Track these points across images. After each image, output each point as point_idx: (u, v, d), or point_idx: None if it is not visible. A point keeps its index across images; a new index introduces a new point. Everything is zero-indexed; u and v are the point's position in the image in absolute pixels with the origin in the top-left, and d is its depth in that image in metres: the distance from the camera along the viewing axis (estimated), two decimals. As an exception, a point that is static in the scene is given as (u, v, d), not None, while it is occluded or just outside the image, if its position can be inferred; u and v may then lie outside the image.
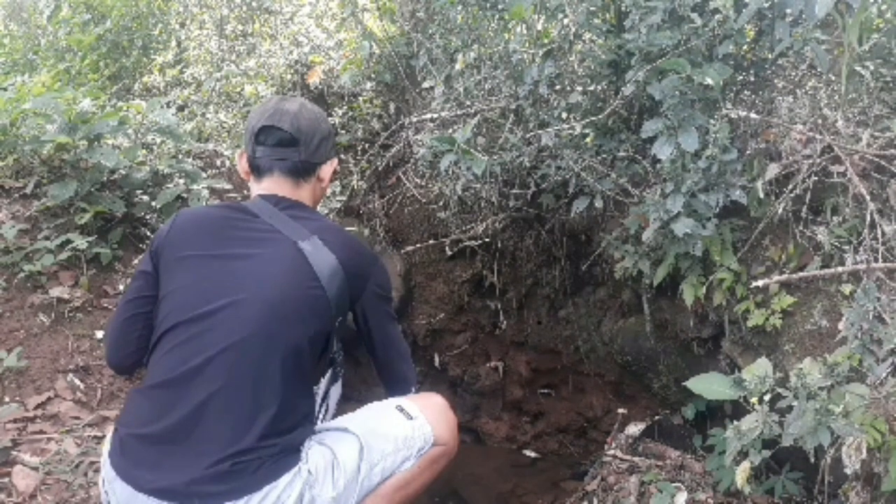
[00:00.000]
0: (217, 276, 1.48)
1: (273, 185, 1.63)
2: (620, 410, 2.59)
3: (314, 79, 3.53)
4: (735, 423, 1.64)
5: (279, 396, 1.39)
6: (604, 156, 2.41)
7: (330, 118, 3.40)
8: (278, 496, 1.35)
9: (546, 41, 2.49)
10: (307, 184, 1.66)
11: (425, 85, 3.00)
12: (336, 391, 1.71)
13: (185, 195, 2.91)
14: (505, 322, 3.26)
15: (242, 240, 1.53)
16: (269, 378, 1.39)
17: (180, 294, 1.48)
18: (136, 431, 1.38)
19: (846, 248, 1.90)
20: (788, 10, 2.00)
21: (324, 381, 1.66)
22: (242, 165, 1.69)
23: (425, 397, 1.76)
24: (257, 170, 1.65)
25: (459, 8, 2.57)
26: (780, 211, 2.03)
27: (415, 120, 3.06)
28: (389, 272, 3.37)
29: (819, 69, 2.11)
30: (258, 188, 1.66)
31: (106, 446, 1.45)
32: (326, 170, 1.69)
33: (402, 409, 1.63)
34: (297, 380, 1.45)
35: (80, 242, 2.53)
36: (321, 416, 1.66)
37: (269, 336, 1.40)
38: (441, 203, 3.00)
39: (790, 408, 1.51)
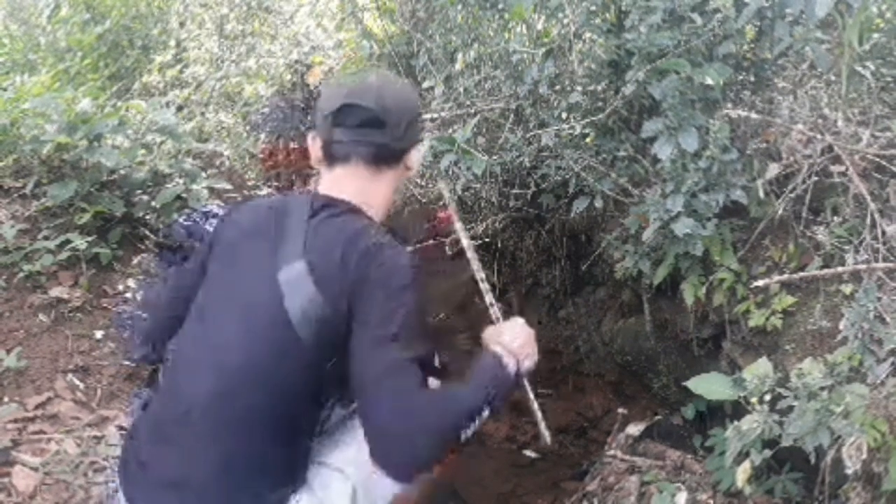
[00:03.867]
0: (210, 309, 1.33)
1: (346, 175, 1.38)
2: (620, 410, 2.59)
3: (314, 79, 3.54)
4: (735, 423, 1.64)
5: (253, 458, 1.24)
6: (604, 156, 2.41)
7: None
8: None
9: (546, 41, 2.49)
10: (391, 172, 1.41)
11: (425, 85, 3.00)
12: (339, 411, 1.44)
13: (184, 195, 2.91)
14: (505, 322, 3.26)
15: (246, 259, 1.33)
16: (243, 441, 1.23)
17: (188, 318, 1.36)
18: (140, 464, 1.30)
19: (846, 248, 1.90)
20: (788, 10, 2.00)
21: (325, 411, 1.40)
22: (315, 152, 1.43)
23: None
24: (331, 157, 1.39)
25: (459, 7, 2.57)
26: (780, 211, 2.03)
27: (415, 120, 3.05)
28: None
29: (819, 69, 2.11)
30: (326, 180, 1.41)
31: None
32: (415, 156, 1.44)
33: None
34: (271, 438, 1.25)
35: (80, 242, 2.53)
36: (317, 433, 1.42)
37: (225, 396, 1.23)
38: (441, 203, 3.00)
39: (790, 408, 1.50)
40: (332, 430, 1.43)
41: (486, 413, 1.27)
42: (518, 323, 1.52)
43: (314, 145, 1.43)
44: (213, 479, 1.22)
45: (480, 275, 1.69)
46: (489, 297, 1.66)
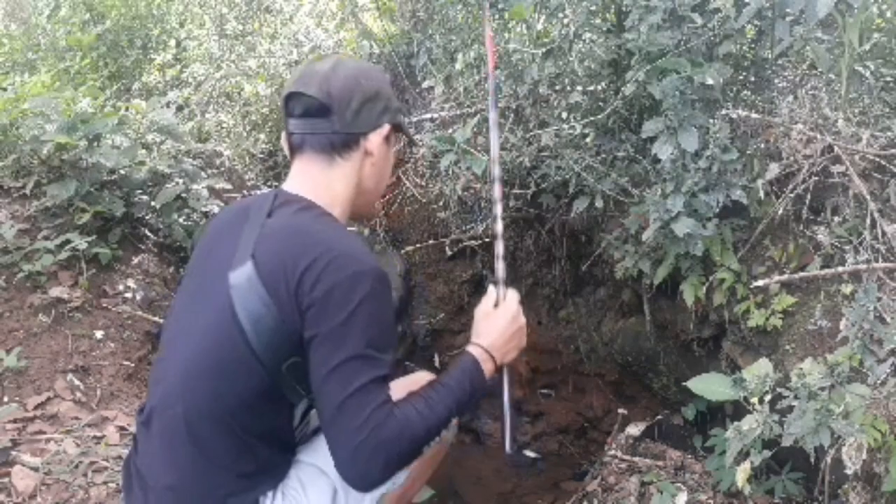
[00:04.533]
0: (177, 315, 1.33)
1: (303, 165, 1.33)
2: (620, 411, 2.59)
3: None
4: (735, 423, 1.64)
5: (212, 460, 1.21)
6: (604, 156, 2.41)
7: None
8: None
9: (546, 41, 2.49)
10: (346, 161, 1.32)
11: (425, 85, 3.00)
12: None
13: (184, 195, 2.91)
14: (505, 322, 3.26)
15: (211, 261, 1.30)
16: (202, 443, 1.21)
17: (166, 324, 1.38)
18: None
19: (846, 248, 1.90)
20: (788, 10, 2.00)
21: (301, 405, 1.32)
22: (283, 144, 1.39)
23: (409, 382, 1.47)
24: (290, 148, 1.35)
25: (459, 7, 2.57)
26: (780, 211, 2.03)
27: (415, 120, 3.06)
28: (389, 272, 3.39)
29: (819, 69, 2.11)
30: (291, 173, 1.37)
31: None
32: (374, 140, 1.32)
33: None
34: (232, 442, 1.22)
35: (80, 242, 2.53)
36: (300, 433, 1.39)
37: (187, 400, 1.21)
38: (441, 203, 3.00)
39: (790, 408, 1.50)
40: (319, 430, 1.37)
41: (454, 419, 1.25)
42: (509, 311, 1.41)
43: (282, 138, 1.39)
44: (166, 483, 1.21)
45: (498, 226, 1.51)
46: (500, 268, 1.50)
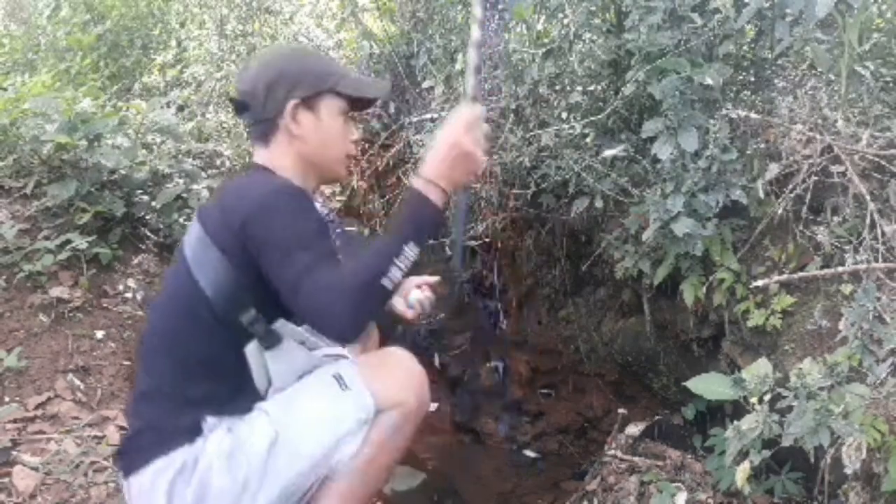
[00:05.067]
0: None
1: (255, 150, 1.48)
2: (620, 410, 2.59)
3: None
4: (735, 423, 1.64)
5: (158, 385, 1.38)
6: (604, 156, 2.41)
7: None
8: (158, 474, 1.31)
9: (546, 41, 2.49)
10: (278, 142, 1.44)
11: (425, 85, 3.00)
12: (277, 361, 1.41)
13: (184, 195, 2.91)
14: (505, 322, 3.26)
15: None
16: (157, 370, 1.39)
17: None
18: None
19: (846, 248, 1.90)
20: (788, 10, 2.01)
21: (251, 356, 1.39)
22: None
23: (380, 354, 1.56)
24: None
25: (459, 7, 2.57)
26: (780, 211, 2.03)
27: (415, 120, 3.06)
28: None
29: (819, 69, 2.11)
30: None
31: None
32: (288, 119, 1.41)
33: (339, 379, 1.41)
34: (178, 368, 1.37)
35: (80, 242, 2.53)
36: (265, 390, 1.43)
37: (156, 333, 1.41)
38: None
39: (790, 408, 1.50)
40: (284, 381, 1.44)
41: (409, 251, 1.27)
42: (450, 135, 1.33)
43: None
44: (143, 396, 1.39)
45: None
46: (470, 83, 1.41)
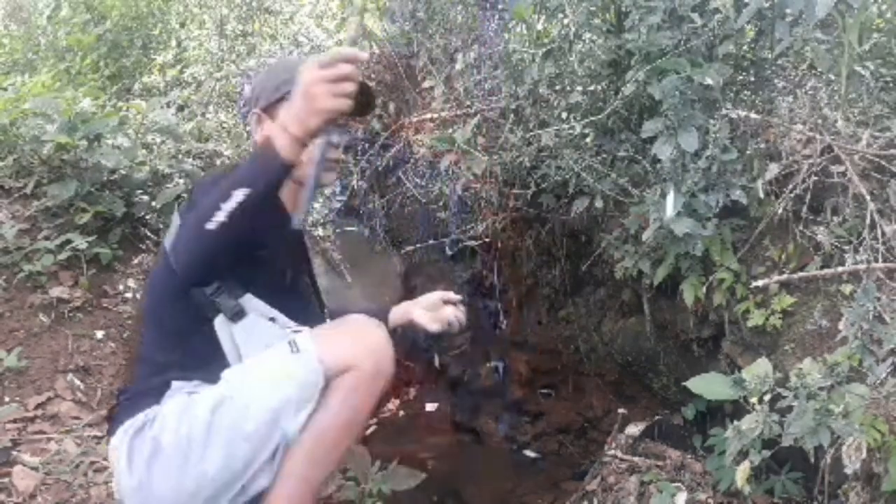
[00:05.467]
0: None
1: None
2: (620, 410, 2.59)
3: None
4: (735, 423, 1.64)
5: (141, 354, 1.48)
6: (604, 156, 2.41)
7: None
8: (125, 434, 1.38)
9: (546, 41, 2.49)
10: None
11: (425, 85, 3.00)
12: (244, 333, 1.43)
13: (184, 195, 2.91)
14: (505, 322, 3.26)
15: None
16: (143, 340, 1.49)
17: None
18: None
19: (846, 248, 1.90)
20: (788, 10, 2.00)
21: (219, 329, 1.42)
22: None
23: (339, 321, 1.54)
24: None
25: (459, 8, 2.57)
26: (780, 211, 2.03)
27: (415, 120, 3.06)
28: (389, 272, 3.39)
29: (819, 69, 2.11)
30: None
31: None
32: (253, 127, 1.54)
33: (292, 344, 1.41)
34: (157, 337, 1.47)
35: (80, 242, 2.53)
36: (232, 359, 1.45)
37: (143, 306, 1.52)
38: (441, 203, 3.00)
39: (790, 408, 1.50)
40: (253, 350, 1.46)
41: (239, 195, 1.22)
42: (308, 71, 1.21)
43: None
44: (132, 364, 1.51)
45: None
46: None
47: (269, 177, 1.25)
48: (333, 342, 1.42)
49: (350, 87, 1.20)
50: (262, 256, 1.43)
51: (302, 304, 1.62)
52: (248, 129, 1.55)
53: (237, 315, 1.42)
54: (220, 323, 1.42)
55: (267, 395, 1.35)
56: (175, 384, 1.41)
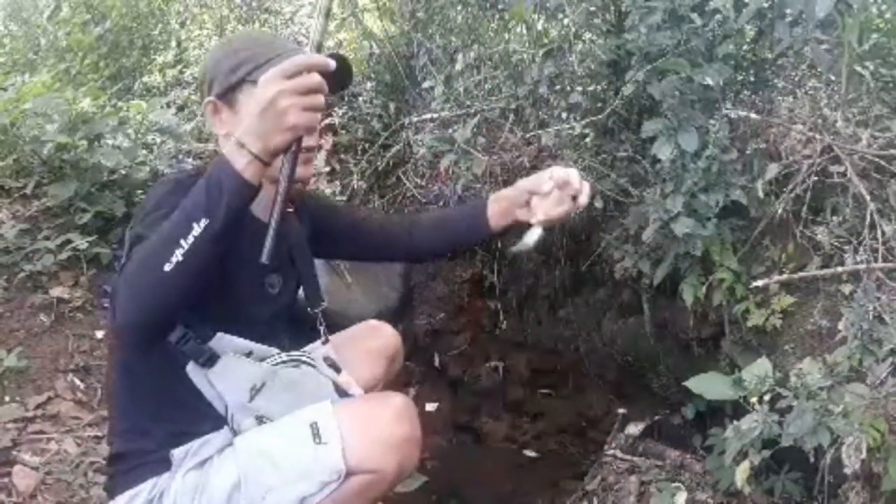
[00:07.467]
0: None
1: None
2: (620, 410, 2.59)
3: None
4: (735, 423, 1.64)
5: (119, 406, 1.39)
6: (604, 156, 2.41)
7: (329, 118, 3.41)
8: None
9: (546, 41, 2.49)
10: (220, 146, 1.42)
11: (425, 85, 3.00)
12: (221, 378, 1.31)
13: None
14: (505, 322, 3.26)
15: None
16: (114, 389, 1.40)
17: None
18: None
19: (846, 248, 1.90)
20: (788, 10, 2.00)
21: (194, 376, 1.31)
22: None
23: (375, 401, 1.42)
24: None
25: (459, 8, 2.57)
26: (780, 211, 2.03)
27: (415, 120, 3.06)
28: (389, 272, 3.39)
29: (819, 69, 2.11)
30: None
31: None
32: (209, 116, 1.41)
33: (315, 428, 1.30)
34: (131, 385, 1.34)
35: (81, 242, 2.53)
36: (225, 407, 1.36)
37: (111, 353, 1.43)
38: (441, 203, 3.00)
39: (790, 408, 1.51)
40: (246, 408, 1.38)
41: (198, 228, 1.06)
42: (261, 94, 1.05)
43: None
44: (113, 418, 1.45)
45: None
46: (315, 28, 1.12)
47: (229, 203, 1.07)
48: (363, 438, 1.31)
49: (320, 99, 1.05)
50: (236, 283, 1.29)
51: (289, 319, 1.51)
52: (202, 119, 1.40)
53: (209, 361, 1.28)
54: (192, 370, 1.29)
55: (286, 490, 1.29)
56: (176, 454, 1.32)
